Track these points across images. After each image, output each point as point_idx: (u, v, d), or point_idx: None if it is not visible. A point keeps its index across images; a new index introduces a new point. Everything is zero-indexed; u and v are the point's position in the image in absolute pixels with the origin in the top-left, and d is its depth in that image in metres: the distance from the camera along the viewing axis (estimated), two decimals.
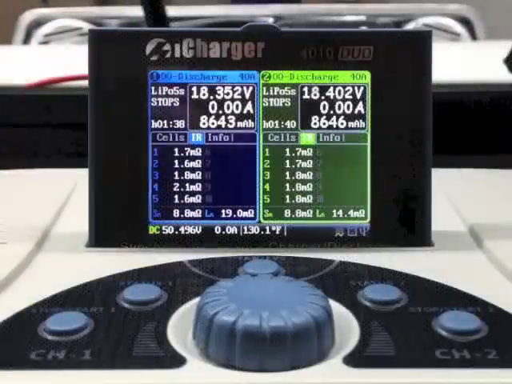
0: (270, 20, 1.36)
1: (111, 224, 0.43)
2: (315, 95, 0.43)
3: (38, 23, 1.28)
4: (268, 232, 0.43)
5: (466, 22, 1.37)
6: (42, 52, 1.04)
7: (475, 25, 1.37)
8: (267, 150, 0.43)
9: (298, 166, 0.43)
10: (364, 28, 1.37)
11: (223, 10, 1.40)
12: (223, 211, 0.43)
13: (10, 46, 1.20)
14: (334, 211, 0.43)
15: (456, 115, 0.73)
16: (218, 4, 1.51)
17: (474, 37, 1.35)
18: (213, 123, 0.43)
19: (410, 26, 1.36)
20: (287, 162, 0.43)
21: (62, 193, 0.51)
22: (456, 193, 0.51)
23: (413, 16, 1.38)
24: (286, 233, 0.43)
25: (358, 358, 0.31)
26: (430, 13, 1.39)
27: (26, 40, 1.27)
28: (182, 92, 0.43)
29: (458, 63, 0.80)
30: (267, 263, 0.39)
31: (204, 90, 0.43)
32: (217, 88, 0.43)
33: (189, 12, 1.35)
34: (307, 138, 0.43)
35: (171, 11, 1.16)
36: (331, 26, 1.37)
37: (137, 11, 1.15)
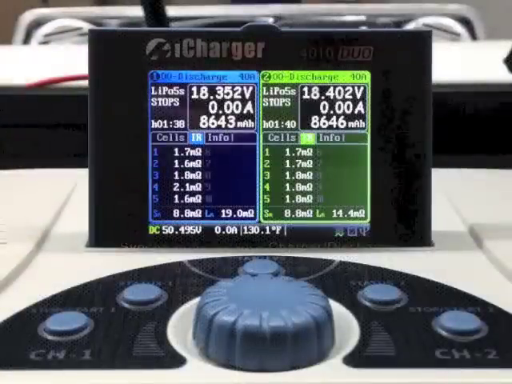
0: (270, 20, 1.36)
1: (111, 224, 0.43)
2: (315, 95, 0.43)
3: (38, 23, 1.27)
4: (268, 232, 0.43)
5: (466, 22, 1.37)
6: (41, 52, 1.04)
7: (475, 25, 1.37)
8: (267, 149, 0.43)
9: (298, 166, 0.43)
10: (364, 28, 1.37)
11: (223, 9, 1.40)
12: (223, 211, 0.43)
13: (10, 46, 1.20)
14: (334, 211, 0.43)
15: (456, 115, 0.73)
16: (217, 4, 1.51)
17: (474, 37, 1.35)
18: (213, 123, 0.43)
19: (410, 26, 1.36)
20: (287, 162, 0.43)
21: (62, 193, 0.51)
22: (456, 193, 0.51)
23: (413, 16, 1.38)
24: (285, 233, 0.43)
25: (357, 358, 0.31)
26: (429, 13, 1.39)
27: (26, 40, 1.26)
28: (181, 92, 0.43)
29: (458, 63, 0.80)
30: (267, 263, 0.39)
31: (204, 90, 0.43)
32: (217, 88, 0.43)
33: (189, 12, 1.35)
34: (307, 138, 0.43)
35: (171, 11, 1.16)
36: (331, 26, 1.37)
37: (137, 11, 1.15)
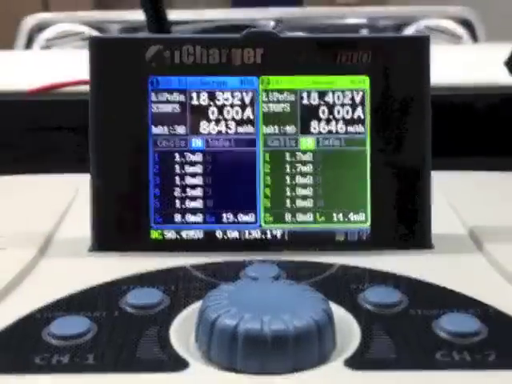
0: (271, 23, 1.36)
1: (113, 229, 0.43)
2: (314, 100, 0.43)
3: (39, 28, 1.28)
4: (269, 236, 0.43)
5: (466, 24, 1.37)
6: (43, 57, 1.04)
7: (476, 27, 1.37)
8: (267, 154, 0.43)
9: (298, 170, 0.43)
10: (364, 31, 1.37)
11: (224, 13, 1.40)
12: (224, 216, 0.43)
13: (11, 50, 1.20)
14: (335, 215, 0.43)
15: (457, 117, 0.73)
16: (218, 8, 1.51)
17: (475, 39, 1.35)
18: (213, 129, 0.43)
19: (411, 29, 1.37)
20: (287, 166, 0.43)
21: (65, 198, 0.52)
22: (456, 195, 0.51)
23: (414, 18, 1.38)
24: (286, 237, 0.43)
25: (359, 361, 0.31)
26: (430, 15, 1.39)
27: (28, 44, 1.27)
28: (182, 98, 0.43)
29: (459, 65, 0.80)
30: (268, 267, 0.39)
31: (204, 96, 0.43)
32: (216, 94, 0.43)
33: (190, 16, 1.36)
34: (307, 142, 0.44)
35: (172, 15, 1.16)
36: (332, 29, 1.38)
37: (138, 15, 1.15)
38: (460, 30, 1.36)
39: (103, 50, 0.43)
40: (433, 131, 0.44)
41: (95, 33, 1.29)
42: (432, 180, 0.44)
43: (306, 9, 1.55)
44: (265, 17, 1.37)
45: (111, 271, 0.39)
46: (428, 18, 1.38)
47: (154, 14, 1.17)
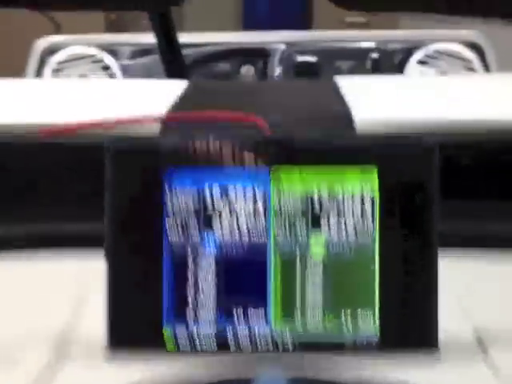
0: (282, 46, 1.37)
1: (126, 329, 0.44)
2: (325, 204, 0.44)
3: (51, 50, 1.29)
4: (279, 342, 0.44)
5: (476, 48, 1.37)
6: (55, 87, 1.04)
7: (486, 51, 1.37)
8: (278, 259, 0.44)
9: (308, 274, 0.44)
10: (374, 55, 1.37)
11: (235, 36, 1.41)
12: (235, 319, 0.44)
13: (23, 79, 1.20)
14: (343, 318, 0.44)
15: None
16: (230, 30, 1.51)
17: (484, 63, 1.36)
18: (225, 229, 0.44)
19: (420, 53, 1.37)
20: (297, 269, 0.44)
21: (76, 292, 0.52)
22: (465, 288, 0.51)
23: (423, 42, 1.38)
24: (297, 343, 0.44)
25: None
26: (440, 39, 1.39)
27: (40, 67, 1.28)
28: (195, 198, 0.44)
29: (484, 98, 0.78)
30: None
31: (217, 196, 0.44)
32: (229, 193, 0.44)
33: (201, 39, 1.36)
34: (317, 246, 0.44)
35: (183, 38, 1.17)
36: (342, 53, 1.38)
37: (150, 38, 1.16)
38: (470, 54, 1.36)
39: (120, 159, 0.44)
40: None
41: (106, 55, 1.30)
42: (441, 271, 0.44)
43: (315, 32, 1.55)
44: (275, 40, 1.37)
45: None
46: (437, 41, 1.38)
47: (166, 36, 1.18)
